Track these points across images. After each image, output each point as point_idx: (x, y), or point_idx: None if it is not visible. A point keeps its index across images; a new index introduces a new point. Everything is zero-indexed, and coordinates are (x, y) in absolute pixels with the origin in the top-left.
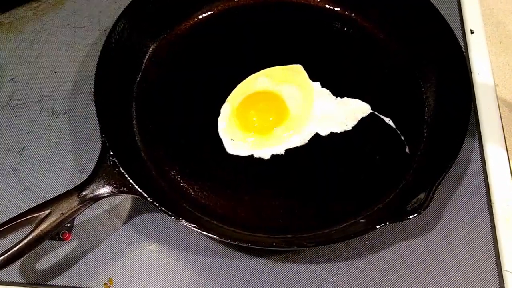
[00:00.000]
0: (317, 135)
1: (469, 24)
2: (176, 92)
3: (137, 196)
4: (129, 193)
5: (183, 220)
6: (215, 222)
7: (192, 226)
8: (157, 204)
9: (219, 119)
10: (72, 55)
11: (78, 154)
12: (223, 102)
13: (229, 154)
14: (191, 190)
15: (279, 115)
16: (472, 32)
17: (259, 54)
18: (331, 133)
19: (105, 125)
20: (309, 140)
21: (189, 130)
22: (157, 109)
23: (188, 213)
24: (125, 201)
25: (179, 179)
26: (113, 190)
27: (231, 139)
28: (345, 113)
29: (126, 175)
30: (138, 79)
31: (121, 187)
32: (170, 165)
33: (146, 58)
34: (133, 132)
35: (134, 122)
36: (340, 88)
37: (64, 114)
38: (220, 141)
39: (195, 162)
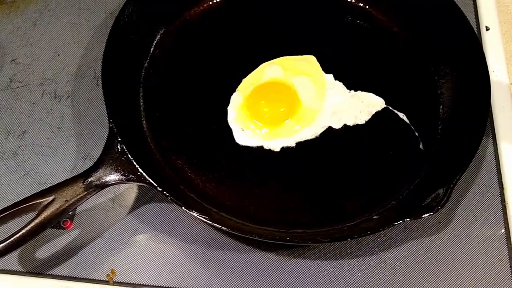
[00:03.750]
0: (329, 129)
1: (484, 21)
2: (185, 79)
3: (146, 185)
4: (137, 182)
5: (194, 211)
6: (223, 214)
7: (203, 218)
8: (167, 194)
9: (229, 108)
10: (76, 37)
11: (81, 140)
12: (233, 91)
13: (238, 144)
14: (198, 181)
15: (291, 107)
16: (487, 29)
17: (271, 43)
18: (344, 127)
19: (113, 110)
20: (321, 134)
21: (197, 119)
22: (165, 96)
23: (197, 204)
24: (130, 189)
25: (186, 168)
26: (121, 178)
27: (241, 129)
28: (358, 107)
29: (135, 163)
30: (146, 65)
31: (129, 175)
32: (178, 154)
33: (154, 44)
34: (140, 119)
35: (142, 109)
36: (353, 81)
37: (67, 98)
38: (229, 130)
39: (203, 151)
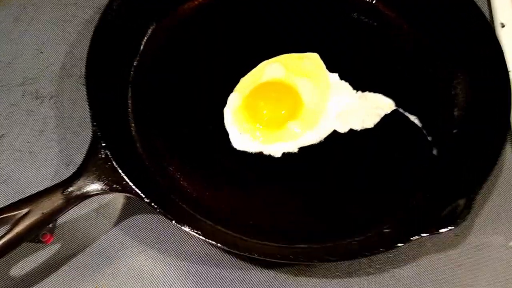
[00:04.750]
0: (334, 133)
1: (499, 17)
2: (178, 79)
3: (132, 196)
4: (122, 192)
5: (186, 225)
6: (219, 227)
7: (195, 233)
8: (155, 206)
9: (226, 109)
10: (61, 34)
11: (64, 145)
12: (231, 91)
13: (236, 149)
14: (191, 189)
15: (293, 108)
16: (503, 26)
17: (272, 40)
18: (350, 131)
19: (97, 112)
20: (325, 138)
21: (191, 122)
22: (156, 97)
23: (189, 216)
24: (116, 200)
25: (178, 176)
26: (104, 187)
27: (239, 133)
28: (366, 109)
29: (120, 171)
30: (135, 64)
31: (113, 184)
32: (169, 160)
33: (144, 41)
34: (128, 122)
35: (130, 110)
36: (360, 81)
37: (50, 99)
38: (226, 134)
39: (197, 157)
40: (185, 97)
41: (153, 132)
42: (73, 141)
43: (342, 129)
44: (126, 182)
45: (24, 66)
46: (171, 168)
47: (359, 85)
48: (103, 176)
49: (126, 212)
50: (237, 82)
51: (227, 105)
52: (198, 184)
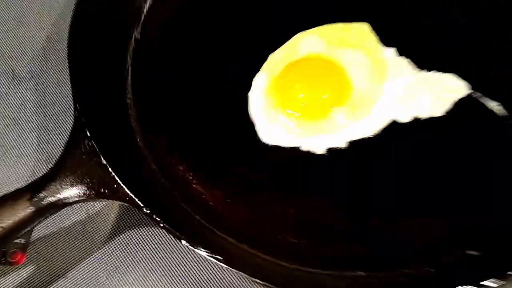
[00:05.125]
0: (394, 123)
1: None
2: (189, 55)
3: (127, 204)
4: (113, 199)
5: (200, 247)
6: (245, 246)
7: (215, 259)
8: (158, 218)
9: (251, 94)
10: (44, 3)
11: (44, 136)
12: (257, 70)
13: (264, 144)
14: (207, 196)
15: (338, 91)
16: None
17: (308, 6)
18: (414, 120)
19: (82, 91)
20: (382, 130)
21: (207, 110)
22: (162, 77)
23: (205, 231)
24: (108, 209)
25: (190, 178)
26: (88, 192)
27: (268, 123)
28: (433, 93)
29: (110, 170)
30: (135, 36)
31: (100, 188)
32: (178, 158)
33: (148, 7)
34: (126, 108)
35: (129, 94)
36: (425, 57)
37: (29, 80)
38: (251, 125)
39: (213, 155)
40: (199, 78)
41: (158, 121)
42: (56, 132)
43: (404, 118)
44: (119, 184)
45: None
46: (180, 168)
47: (424, 62)
48: (87, 177)
49: (121, 226)
50: (264, 59)
51: (252, 89)
52: (216, 189)
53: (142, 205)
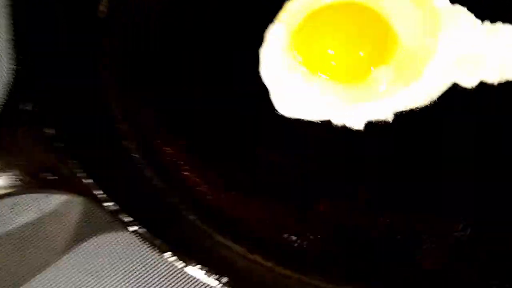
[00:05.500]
0: (454, 89)
1: None
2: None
3: (83, 197)
4: (65, 191)
5: (194, 264)
6: (257, 257)
7: (215, 279)
8: (126, 219)
9: (263, 52)
10: None
11: None
12: (271, 21)
13: (282, 117)
14: (204, 187)
15: (380, 46)
16: None
17: None
18: (480, 85)
19: (20, 17)
20: (440, 97)
21: (208, 72)
22: (150, 25)
23: (200, 239)
24: (69, 205)
25: (181, 163)
26: (25, 179)
27: (287, 89)
28: (500, 51)
29: (59, 143)
30: None
31: (45, 172)
32: (166, 135)
33: None
34: (95, 57)
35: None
36: (490, 6)
37: None
38: (264, 92)
39: (213, 131)
40: (198, 28)
41: (144, 83)
42: None
43: (467, 83)
44: (75, 167)
45: None
46: (169, 153)
47: (487, 12)
48: (24, 159)
49: (86, 231)
50: (280, 6)
51: (264, 45)
52: (216, 177)
53: (110, 203)
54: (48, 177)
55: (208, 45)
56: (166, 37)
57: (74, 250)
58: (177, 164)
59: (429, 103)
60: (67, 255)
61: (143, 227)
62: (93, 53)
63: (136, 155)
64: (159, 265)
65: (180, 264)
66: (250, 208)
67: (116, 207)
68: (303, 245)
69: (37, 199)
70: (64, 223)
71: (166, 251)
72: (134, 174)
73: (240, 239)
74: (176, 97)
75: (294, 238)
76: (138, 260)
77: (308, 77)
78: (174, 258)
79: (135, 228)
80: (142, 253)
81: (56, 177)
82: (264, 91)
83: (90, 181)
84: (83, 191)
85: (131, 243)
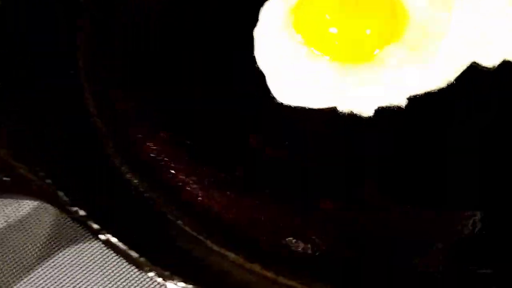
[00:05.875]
0: (473, 68)
1: None
2: None
3: (44, 202)
4: (20, 195)
5: (178, 282)
6: (257, 266)
7: None
8: (95, 226)
9: (257, 32)
10: None
11: None
12: None
13: (281, 105)
14: (202, 193)
15: (388, 24)
16: None
17: None
18: (504, 63)
19: None
20: (458, 78)
21: (198, 55)
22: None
23: (187, 246)
24: (40, 212)
25: (170, 164)
26: None
27: (286, 73)
28: None
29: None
30: None
31: None
32: (150, 130)
33: None
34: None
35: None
36: None
37: None
38: (260, 77)
39: (207, 124)
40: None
41: (121, 62)
42: None
43: (487, 61)
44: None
45: None
46: (152, 144)
47: None
48: None
49: (60, 240)
50: None
51: (258, 25)
52: (206, 174)
53: (68, 203)
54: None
55: (196, 25)
56: (165, 37)
57: (47, 263)
58: (161, 160)
59: (445, 85)
60: (39, 269)
61: (116, 235)
62: (68, 52)
63: (111, 151)
64: (142, 279)
65: (162, 281)
66: (246, 210)
67: (83, 213)
68: (308, 250)
69: (3, 205)
70: (34, 233)
71: (145, 267)
72: (107, 173)
73: (236, 245)
74: (162, 86)
75: (297, 242)
76: (117, 272)
77: (308, 58)
78: (154, 274)
79: (106, 237)
80: (123, 264)
81: (9, 179)
82: (260, 76)
83: (50, 181)
84: (43, 195)
85: (110, 254)
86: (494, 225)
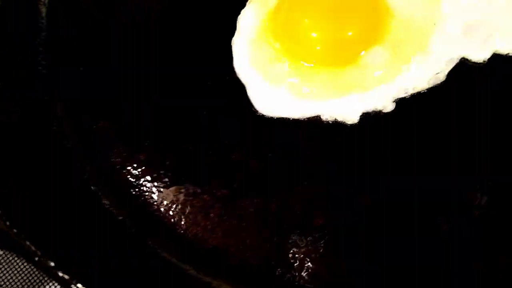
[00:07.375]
0: (461, 65)
1: None
2: None
3: None
4: None
5: None
6: None
7: None
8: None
9: (236, 40)
10: None
11: None
12: (243, 4)
13: (262, 117)
14: (180, 218)
15: (370, 25)
16: None
17: None
18: (494, 57)
19: None
20: (448, 75)
21: (169, 67)
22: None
23: (167, 275)
24: None
25: (136, 174)
26: None
27: (266, 84)
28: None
29: None
30: None
31: None
32: (121, 145)
33: None
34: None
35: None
36: None
37: None
38: (239, 87)
39: (178, 137)
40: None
41: (92, 79)
42: None
43: (479, 56)
44: None
45: None
46: (117, 160)
47: None
48: None
49: None
50: None
51: (237, 33)
52: (181, 192)
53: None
54: None
55: (172, 36)
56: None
57: None
58: (139, 186)
59: (434, 84)
60: None
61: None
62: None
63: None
64: None
65: None
66: (231, 233)
67: (56, 267)
68: (304, 275)
69: None
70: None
71: None
72: (83, 203)
73: (223, 273)
74: (136, 94)
75: (288, 264)
76: None
77: (289, 67)
78: None
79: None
80: None
81: None
82: (240, 88)
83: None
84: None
85: None
86: (490, 226)
